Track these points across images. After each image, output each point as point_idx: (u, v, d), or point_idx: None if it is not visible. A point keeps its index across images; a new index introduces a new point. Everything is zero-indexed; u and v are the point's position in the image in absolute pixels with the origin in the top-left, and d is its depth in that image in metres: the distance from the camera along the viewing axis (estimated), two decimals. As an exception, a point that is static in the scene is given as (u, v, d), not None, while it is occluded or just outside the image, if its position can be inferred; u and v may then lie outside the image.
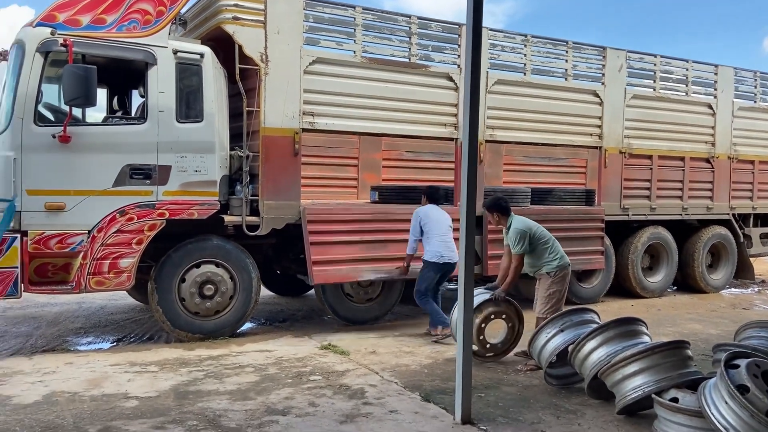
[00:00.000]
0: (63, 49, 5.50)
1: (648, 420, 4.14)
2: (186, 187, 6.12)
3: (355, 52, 7.02)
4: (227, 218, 6.44)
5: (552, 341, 4.81)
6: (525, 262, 5.70)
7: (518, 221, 5.78)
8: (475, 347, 5.35)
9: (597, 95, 8.71)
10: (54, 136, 5.57)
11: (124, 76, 6.88)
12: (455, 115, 7.62)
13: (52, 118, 5.90)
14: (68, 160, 5.67)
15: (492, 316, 5.70)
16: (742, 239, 10.44)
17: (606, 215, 8.76)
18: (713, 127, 9.94)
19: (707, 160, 9.94)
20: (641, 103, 9.16)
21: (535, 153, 9.73)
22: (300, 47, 6.67)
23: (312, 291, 7.92)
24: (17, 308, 7.74)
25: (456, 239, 7.24)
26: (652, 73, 9.36)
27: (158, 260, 6.19)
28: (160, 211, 6.01)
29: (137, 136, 5.97)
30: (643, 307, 8.74)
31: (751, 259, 10.67)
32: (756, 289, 10.73)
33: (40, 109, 5.69)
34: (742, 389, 3.36)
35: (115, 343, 6.37)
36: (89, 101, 5.47)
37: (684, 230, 10.03)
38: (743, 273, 10.67)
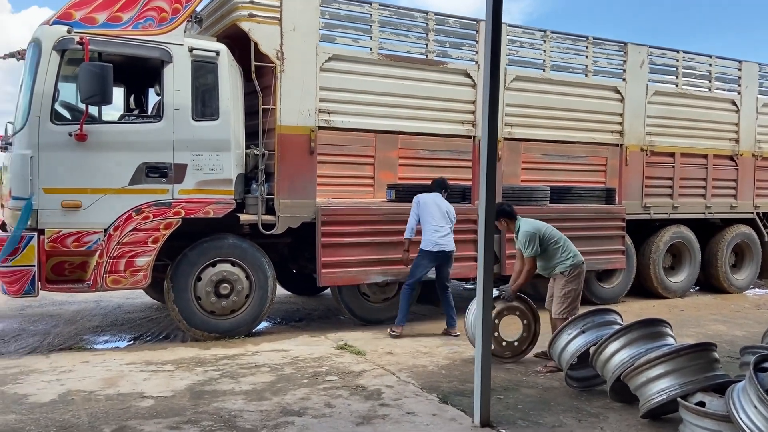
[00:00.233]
0: (79, 47, 5.50)
1: (673, 424, 4.02)
2: (202, 185, 6.09)
3: (371, 49, 6.94)
4: (243, 217, 6.40)
5: (573, 342, 4.70)
6: (537, 264, 5.62)
7: (526, 224, 5.70)
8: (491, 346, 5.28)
9: (618, 92, 8.54)
10: (70, 135, 5.57)
11: (140, 75, 6.88)
12: (473, 113, 7.51)
13: (69, 117, 5.90)
14: (84, 159, 5.66)
15: (504, 312, 5.67)
16: (766, 238, 10.20)
17: (627, 214, 8.60)
18: (737, 124, 9.71)
19: (731, 158, 9.73)
20: (663, 99, 8.97)
21: (553, 151, 9.66)
22: (316, 44, 6.61)
23: (328, 290, 7.87)
24: (36, 306, 7.78)
25: (463, 239, 7.31)
26: (675, 69, 9.17)
27: (174, 259, 6.18)
28: (175, 209, 5.99)
29: (153, 134, 5.95)
30: (665, 307, 8.57)
31: (775, 258, 10.44)
32: (781, 290, 10.49)
33: (57, 107, 5.69)
34: (774, 394, 3.23)
35: (131, 342, 6.36)
36: (105, 99, 5.46)
37: (707, 229, 9.82)
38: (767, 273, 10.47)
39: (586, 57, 8.32)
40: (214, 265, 6.26)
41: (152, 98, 7.32)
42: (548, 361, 5.36)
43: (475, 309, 5.55)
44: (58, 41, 5.55)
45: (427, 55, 7.26)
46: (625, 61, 8.61)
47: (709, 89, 9.53)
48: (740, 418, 3.35)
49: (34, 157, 5.49)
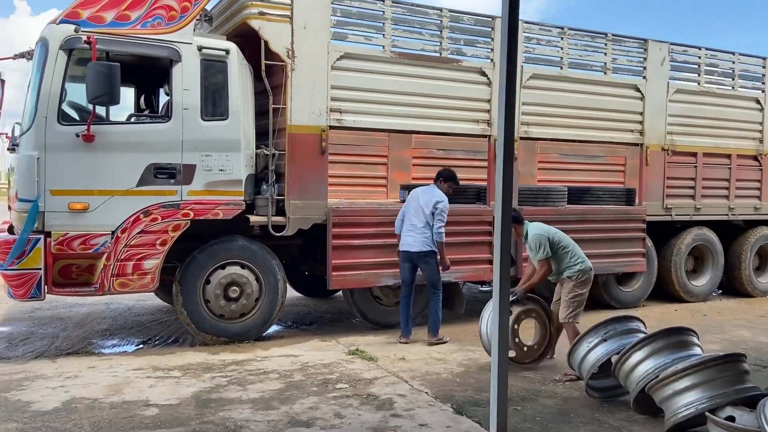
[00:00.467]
0: (87, 46, 5.38)
1: (701, 439, 3.82)
2: (211, 186, 5.97)
3: (384, 46, 6.78)
4: (253, 218, 6.27)
5: (594, 351, 4.50)
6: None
7: (534, 227, 5.61)
8: (512, 353, 5.19)
9: (638, 90, 8.31)
10: (78, 135, 5.47)
11: (150, 75, 6.78)
12: (488, 111, 7.32)
13: (76, 117, 5.81)
14: (92, 160, 5.56)
15: (522, 316, 5.56)
16: (792, 241, 9.89)
17: (648, 215, 8.35)
18: (761, 123, 9.42)
19: (755, 158, 9.44)
20: (685, 97, 8.72)
21: (570, 150, 9.37)
22: (327, 42, 6.46)
23: (340, 292, 7.71)
24: (46, 309, 7.71)
25: (478, 240, 7.11)
26: (697, 67, 8.91)
27: (184, 261, 6.06)
28: (184, 211, 5.87)
29: (162, 134, 5.83)
30: (687, 312, 8.32)
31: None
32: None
33: (64, 107, 5.59)
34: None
35: (139, 346, 6.26)
36: (113, 99, 5.35)
37: (730, 231, 9.53)
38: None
39: (605, 54, 8.09)
40: (223, 267, 6.14)
41: (163, 98, 7.22)
42: (567, 370, 5.15)
43: (489, 315, 5.42)
44: (65, 40, 5.45)
45: (441, 53, 7.08)
46: (645, 59, 8.37)
47: (732, 87, 9.25)
48: (774, 436, 3.15)
49: (41, 158, 5.40)
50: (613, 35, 8.13)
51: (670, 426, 3.86)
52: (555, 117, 7.84)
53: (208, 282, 6.09)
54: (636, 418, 4.29)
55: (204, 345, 6.11)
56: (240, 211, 6.12)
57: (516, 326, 5.49)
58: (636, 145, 8.55)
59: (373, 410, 4.36)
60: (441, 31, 7.07)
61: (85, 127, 5.47)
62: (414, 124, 7.05)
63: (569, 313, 5.38)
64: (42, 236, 5.38)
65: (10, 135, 6.29)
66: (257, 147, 6.49)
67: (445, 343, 6.28)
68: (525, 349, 5.52)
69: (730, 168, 9.21)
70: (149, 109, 7.31)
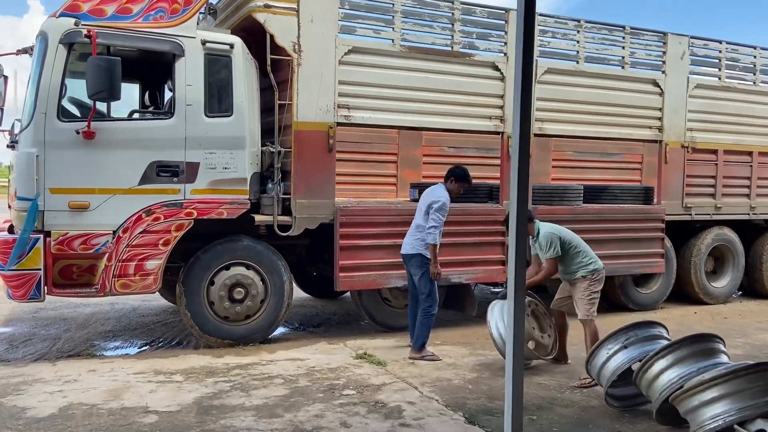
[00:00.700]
0: (87, 40, 5.23)
1: (729, 454, 3.57)
2: (215, 185, 5.80)
3: (393, 40, 6.57)
4: (258, 218, 6.09)
5: (614, 358, 4.26)
6: (559, 267, 5.46)
7: (546, 226, 5.48)
8: (531, 344, 5.36)
9: (657, 85, 8.03)
10: (78, 132, 5.32)
11: (155, 70, 6.61)
12: (501, 107, 7.09)
13: (77, 113, 5.66)
14: (93, 157, 5.41)
15: (528, 315, 5.52)
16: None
17: (666, 215, 8.08)
18: (784, 119, 9.11)
19: (778, 155, 9.12)
20: (705, 93, 8.44)
21: (586, 148, 9.14)
22: (335, 36, 6.26)
23: (348, 293, 7.52)
24: (49, 309, 7.59)
25: (490, 241, 6.87)
26: (717, 61, 8.62)
27: (188, 261, 5.90)
28: (187, 210, 5.70)
29: (164, 131, 5.67)
30: (707, 314, 8.04)
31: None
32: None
33: (64, 103, 5.44)
34: None
35: (142, 348, 6.10)
36: (113, 95, 5.18)
37: (750, 231, 9.23)
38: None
39: (623, 48, 7.83)
40: (227, 268, 5.97)
41: (168, 95, 7.06)
42: (582, 375, 4.98)
43: (497, 317, 5.31)
44: (65, 34, 5.29)
45: (452, 47, 6.86)
46: (664, 53, 8.10)
47: (754, 82, 8.96)
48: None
49: (40, 156, 5.25)
50: (632, 28, 7.87)
51: (697, 439, 3.63)
52: (570, 113, 7.60)
53: (212, 283, 5.92)
54: (659, 429, 4.06)
55: (208, 348, 5.94)
56: (245, 210, 5.94)
57: (534, 327, 5.48)
58: (654, 142, 8.29)
59: (381, 419, 4.17)
60: (452, 24, 6.84)
61: (86, 123, 5.31)
62: (424, 120, 6.84)
63: (588, 310, 5.32)
64: (41, 236, 5.23)
65: (10, 131, 6.15)
66: (263, 144, 6.31)
67: (432, 360, 5.60)
68: (543, 338, 5.55)
69: (751, 166, 8.92)
70: (154, 106, 7.15)
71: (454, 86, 6.86)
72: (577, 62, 7.56)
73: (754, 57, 8.93)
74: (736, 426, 3.41)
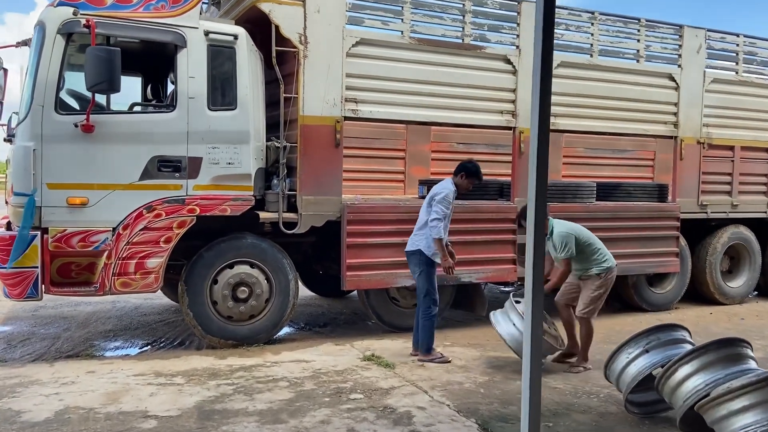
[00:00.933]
0: (86, 30, 5.05)
1: (760, 466, 3.37)
2: (218, 180, 5.62)
3: (402, 32, 6.37)
4: (263, 215, 5.91)
5: (635, 363, 4.07)
6: (573, 266, 5.37)
7: (561, 225, 5.34)
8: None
9: (673, 79, 7.80)
10: (76, 125, 5.15)
11: (157, 63, 6.43)
12: (513, 102, 6.88)
13: (75, 106, 5.49)
14: (92, 152, 5.24)
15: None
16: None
17: (682, 213, 7.86)
18: (803, 115, 8.86)
19: (796, 152, 8.88)
20: (722, 87, 8.20)
21: (597, 144, 8.95)
22: (342, 27, 6.06)
23: (355, 292, 7.34)
24: (50, 307, 7.43)
25: (500, 239, 6.66)
26: (735, 55, 8.38)
27: (190, 259, 5.73)
28: (190, 206, 5.52)
29: (166, 125, 5.49)
30: (723, 315, 7.83)
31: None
32: None
33: (62, 95, 5.27)
34: None
35: (143, 349, 5.94)
36: (113, 86, 5.00)
37: (766, 229, 8.99)
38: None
39: (638, 41, 7.61)
40: (231, 266, 5.79)
41: (171, 88, 6.88)
42: (577, 363, 5.27)
43: (501, 320, 5.27)
44: (63, 24, 5.12)
45: (463, 39, 6.65)
46: (680, 46, 7.86)
47: (772, 77, 8.71)
48: None
49: (37, 150, 5.08)
50: (647, 21, 7.64)
51: (725, 450, 3.43)
52: (583, 108, 7.38)
53: (215, 282, 5.75)
54: (682, 439, 3.86)
55: (211, 348, 5.77)
56: (249, 207, 5.76)
57: (551, 328, 5.45)
58: (668, 138, 8.07)
59: (390, 425, 3.98)
60: (463, 16, 6.63)
61: (84, 116, 5.14)
62: (434, 115, 6.63)
63: (590, 309, 5.28)
64: (39, 233, 5.07)
65: (7, 125, 5.98)
66: (268, 139, 6.13)
67: (442, 362, 5.37)
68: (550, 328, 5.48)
69: (768, 163, 8.69)
70: (156, 100, 6.98)
71: (465, 80, 6.65)
72: (591, 55, 7.34)
73: (772, 51, 8.69)
74: (767, 437, 3.22)
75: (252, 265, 5.86)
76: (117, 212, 5.30)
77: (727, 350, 3.74)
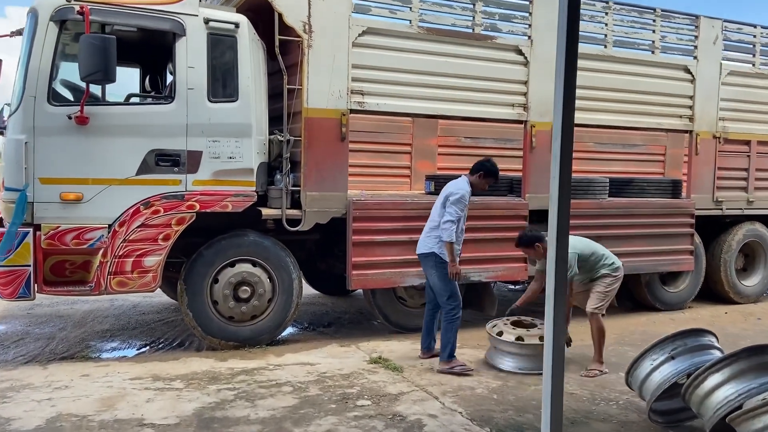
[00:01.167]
0: (80, 17, 4.81)
1: (797, 483, 3.15)
2: (219, 175, 5.39)
3: (411, 21, 6.12)
4: (265, 211, 5.68)
5: (659, 370, 3.84)
6: (578, 278, 5.23)
7: None
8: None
9: (688, 71, 7.55)
10: (70, 117, 4.91)
11: (156, 53, 6.19)
12: (524, 95, 6.63)
13: (69, 97, 5.25)
14: (86, 145, 5.00)
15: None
16: None
17: (696, 209, 7.62)
18: (821, 109, 8.60)
19: (813, 147, 8.62)
20: (738, 80, 7.94)
21: (608, 139, 8.73)
22: (348, 16, 5.82)
23: (361, 291, 7.12)
24: (46, 305, 7.22)
25: (510, 237, 6.41)
26: (752, 47, 8.12)
27: (190, 257, 5.51)
28: (189, 202, 5.29)
29: (164, 117, 5.25)
30: (738, 315, 7.60)
31: None
32: None
33: (55, 86, 5.04)
34: None
35: (141, 350, 5.72)
36: (108, 76, 4.75)
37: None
38: None
39: (653, 32, 7.35)
40: (232, 265, 5.57)
41: (171, 79, 6.64)
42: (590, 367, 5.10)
43: (498, 357, 5.26)
44: (56, 11, 4.88)
45: (473, 29, 6.40)
46: (696, 37, 7.60)
47: (790, 69, 8.45)
48: None
49: (29, 143, 4.85)
50: (663, 11, 7.38)
51: (761, 467, 3.21)
52: (596, 101, 7.10)
53: (215, 281, 5.52)
54: (711, 451, 3.64)
55: (211, 350, 5.56)
56: (251, 203, 5.53)
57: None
58: (683, 132, 7.84)
59: (400, 435, 3.77)
60: (474, 5, 6.37)
61: (78, 108, 4.90)
62: (442, 108, 6.38)
63: (600, 305, 5.17)
64: (31, 229, 4.84)
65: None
66: (270, 132, 5.89)
67: (463, 373, 4.99)
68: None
69: (786, 158, 8.44)
70: (155, 92, 6.74)
71: (475, 71, 6.40)
72: (605, 46, 7.09)
73: (790, 42, 8.43)
74: (806, 452, 3.00)
75: (254, 264, 5.64)
76: (113, 208, 5.07)
77: (759, 358, 3.51)
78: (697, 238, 7.76)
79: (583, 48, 7.00)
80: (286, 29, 5.64)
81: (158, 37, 5.43)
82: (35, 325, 6.45)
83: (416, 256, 5.52)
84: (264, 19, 5.82)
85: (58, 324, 6.51)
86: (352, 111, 5.91)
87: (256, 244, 5.65)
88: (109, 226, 5.05)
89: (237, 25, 5.43)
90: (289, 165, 5.77)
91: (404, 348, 5.75)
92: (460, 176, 5.36)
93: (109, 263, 5.06)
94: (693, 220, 7.57)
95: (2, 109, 5.56)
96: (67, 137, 4.93)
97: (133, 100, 5.75)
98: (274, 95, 5.96)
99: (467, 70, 6.36)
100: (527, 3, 6.59)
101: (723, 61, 7.80)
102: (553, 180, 3.29)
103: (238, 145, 5.45)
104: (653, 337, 6.27)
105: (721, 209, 7.94)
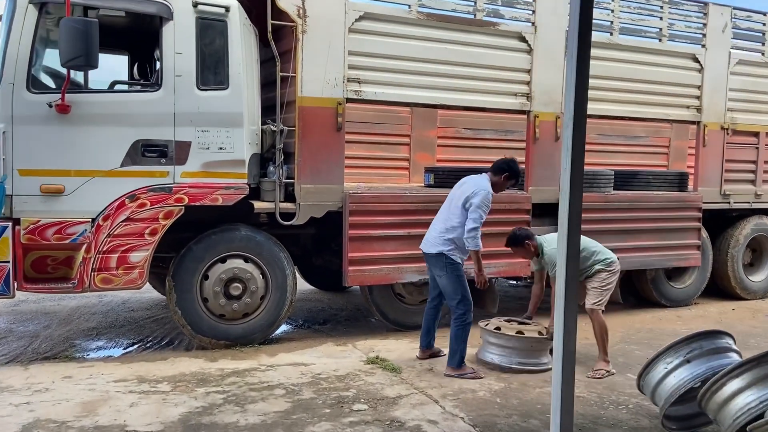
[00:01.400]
0: (60, 0, 4.55)
1: (824, 497, 2.95)
2: (208, 167, 5.14)
3: (410, 6, 5.85)
4: (257, 205, 5.44)
5: (674, 374, 3.61)
6: None
7: (552, 242, 4.89)
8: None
9: (696, 60, 7.30)
10: (50, 105, 4.66)
11: (145, 39, 5.91)
12: (527, 83, 6.39)
13: (49, 84, 5.01)
14: (68, 135, 4.76)
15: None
16: None
17: (703, 203, 7.39)
18: (831, 100, 8.37)
19: (823, 139, 8.39)
20: (747, 70, 7.69)
21: (611, 130, 8.48)
22: (345, 0, 5.56)
23: (357, 286, 6.90)
24: (32, 301, 6.99)
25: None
26: (762, 35, 7.87)
27: (180, 252, 5.27)
28: (177, 195, 5.05)
29: (150, 105, 5.00)
30: (746, 311, 7.39)
31: None
32: None
33: (35, 72, 4.79)
34: None
35: (128, 349, 5.48)
36: (90, 62, 4.49)
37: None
38: None
39: (661, 19, 7.09)
40: (223, 261, 5.33)
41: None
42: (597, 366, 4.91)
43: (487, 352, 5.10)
44: (36, -7, 4.62)
45: (475, 15, 6.14)
46: (705, 24, 7.35)
47: (800, 59, 8.21)
48: None
49: (7, 132, 4.60)
50: (670, -4, 7.13)
51: (786, 480, 2.99)
52: (601, 90, 6.84)
53: (206, 277, 5.29)
54: (729, 461, 3.43)
55: (201, 349, 5.33)
56: (243, 196, 5.29)
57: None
58: (690, 123, 7.63)
59: (399, 443, 3.55)
60: (476, -11, 6.12)
61: (59, 95, 4.65)
62: (442, 97, 6.12)
63: (600, 301, 4.99)
64: (9, 224, 4.60)
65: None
66: (263, 122, 5.64)
67: (474, 379, 4.70)
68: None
69: (794, 150, 8.21)
70: (144, 80, 6.46)
71: (476, 59, 6.15)
72: (611, 34, 6.84)
73: (800, 32, 8.18)
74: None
75: (246, 260, 5.40)
76: (96, 201, 4.83)
77: (783, 362, 3.29)
78: (704, 233, 7.54)
79: (588, 36, 6.75)
80: (279, 14, 5.39)
81: (145, 21, 5.19)
82: (19, 323, 6.21)
83: (415, 252, 5.29)
84: (256, 3, 5.57)
85: (43, 321, 6.28)
86: (348, 100, 5.66)
87: (248, 239, 5.42)
88: (93, 220, 4.82)
89: (227, 9, 5.17)
90: (283, 156, 5.52)
91: (402, 347, 5.53)
92: (480, 174, 5.03)
93: (92, 259, 4.83)
94: (700, 214, 7.34)
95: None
96: (47, 126, 4.69)
97: (118, 87, 5.49)
98: (267, 84, 5.72)
99: (468, 57, 6.11)
100: (531, -13, 6.33)
101: (732, 50, 7.55)
102: (564, 173, 3.06)
103: (228, 136, 5.20)
104: (660, 335, 6.15)
105: (729, 203, 7.72)
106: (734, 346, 3.72)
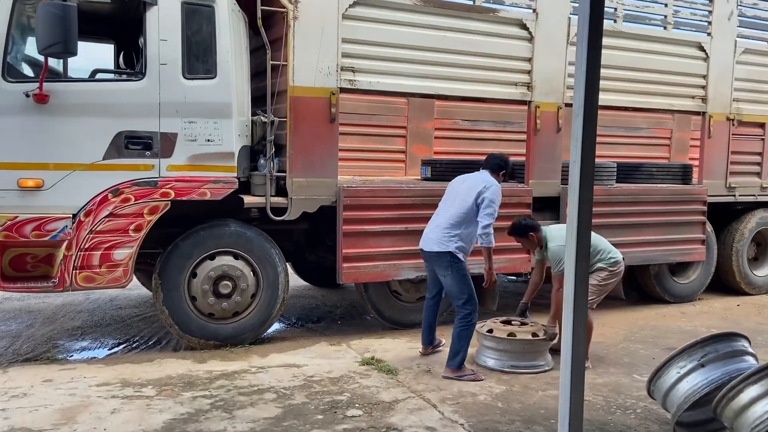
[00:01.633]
0: (37, -17, 4.31)
1: None
2: (196, 160, 4.92)
3: (406, -9, 5.62)
4: (248, 199, 5.22)
5: (687, 379, 3.41)
6: None
7: (556, 237, 4.72)
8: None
9: (702, 48, 7.07)
10: (28, 95, 4.42)
11: (131, 26, 5.66)
12: (528, 73, 6.16)
13: (27, 73, 4.76)
14: (46, 126, 4.52)
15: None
16: None
17: (708, 196, 7.19)
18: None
19: (830, 131, 8.20)
20: (753, 59, 7.46)
21: (611, 121, 8.27)
22: (338, -16, 5.32)
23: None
24: (15, 299, 6.76)
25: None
26: (767, 23, 7.65)
27: (166, 248, 5.05)
28: (163, 190, 4.83)
29: (134, 95, 4.77)
30: (752, 307, 7.21)
31: None
32: None
33: (10, 60, 4.53)
34: None
35: (113, 350, 5.27)
36: (68, 49, 4.24)
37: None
38: None
39: (666, 5, 6.86)
40: (212, 257, 5.12)
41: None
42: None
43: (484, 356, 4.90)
44: (11, -24, 4.37)
45: (474, 1, 5.91)
46: (710, 12, 7.12)
47: (807, 48, 7.99)
48: None
49: (-18, 124, 4.36)
50: (676, -18, 6.90)
51: (809, 494, 2.80)
52: (604, 80, 6.58)
53: (194, 275, 5.08)
54: (745, 471, 3.23)
55: (190, 350, 5.12)
56: (232, 190, 5.07)
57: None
58: (694, 113, 7.41)
59: (395, 453, 3.35)
60: (474, -26, 5.88)
61: (37, 84, 4.41)
62: (440, 87, 5.89)
63: (593, 299, 4.74)
64: (-16, 220, 4.37)
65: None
66: (253, 113, 5.41)
67: (473, 381, 4.49)
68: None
69: (801, 142, 8.01)
70: (130, 69, 6.22)
71: (475, 47, 5.91)
72: (615, 21, 6.61)
73: (807, 19, 7.96)
74: None
75: (236, 256, 5.18)
76: (77, 196, 4.61)
77: (804, 367, 3.09)
78: (709, 227, 7.34)
79: (591, 23, 6.53)
80: (269, -1, 5.15)
81: (129, 7, 4.95)
82: (1, 322, 5.99)
83: (412, 248, 5.09)
84: (246, -11, 5.32)
85: (26, 320, 6.06)
86: (342, 90, 5.43)
87: (237, 235, 5.20)
88: (74, 216, 4.59)
89: (215, -6, 4.93)
90: (274, 149, 5.30)
91: (399, 346, 5.33)
92: (481, 171, 4.85)
93: (74, 257, 4.61)
94: (705, 208, 7.14)
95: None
96: (24, 117, 4.45)
97: (100, 76, 5.24)
98: (258, 73, 5.49)
99: (467, 45, 5.88)
100: (532, -27, 6.09)
101: (738, 39, 7.32)
102: (573, 165, 2.85)
103: (216, 127, 4.97)
104: (665, 333, 5.96)
105: (734, 195, 7.51)
106: (750, 349, 3.52)
